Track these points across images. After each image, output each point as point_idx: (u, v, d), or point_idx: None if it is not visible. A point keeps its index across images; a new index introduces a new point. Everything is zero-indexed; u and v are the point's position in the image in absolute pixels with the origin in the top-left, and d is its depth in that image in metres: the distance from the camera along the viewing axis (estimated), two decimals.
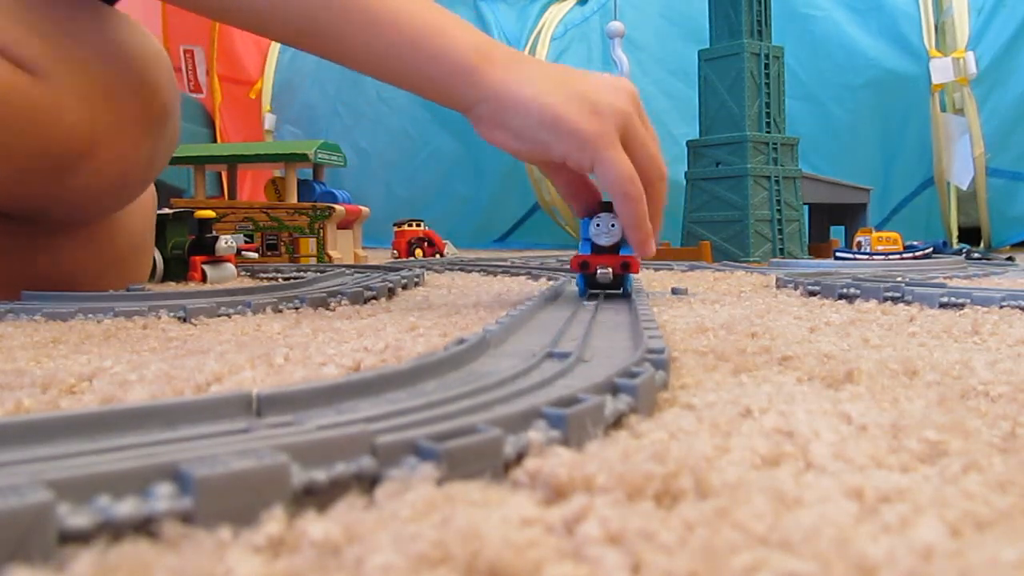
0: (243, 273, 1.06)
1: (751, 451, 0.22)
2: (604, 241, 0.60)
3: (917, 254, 1.19)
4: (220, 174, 2.47)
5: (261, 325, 0.52)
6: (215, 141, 3.01)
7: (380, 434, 0.19)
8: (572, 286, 0.67)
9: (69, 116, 0.61)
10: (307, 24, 0.56)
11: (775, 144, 1.41)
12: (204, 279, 0.94)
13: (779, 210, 1.39)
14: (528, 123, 0.55)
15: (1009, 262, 1.24)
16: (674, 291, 0.74)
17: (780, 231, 1.39)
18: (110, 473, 0.16)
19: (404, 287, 0.79)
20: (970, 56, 2.13)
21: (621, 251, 0.60)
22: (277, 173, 1.70)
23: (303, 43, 0.58)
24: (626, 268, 0.59)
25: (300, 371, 0.35)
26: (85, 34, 0.62)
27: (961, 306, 0.59)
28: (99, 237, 0.72)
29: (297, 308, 0.61)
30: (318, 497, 0.18)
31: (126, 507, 0.15)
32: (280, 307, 0.60)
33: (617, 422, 0.25)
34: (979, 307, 0.58)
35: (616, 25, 1.34)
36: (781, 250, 1.39)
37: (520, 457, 0.21)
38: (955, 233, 2.24)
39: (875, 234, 1.26)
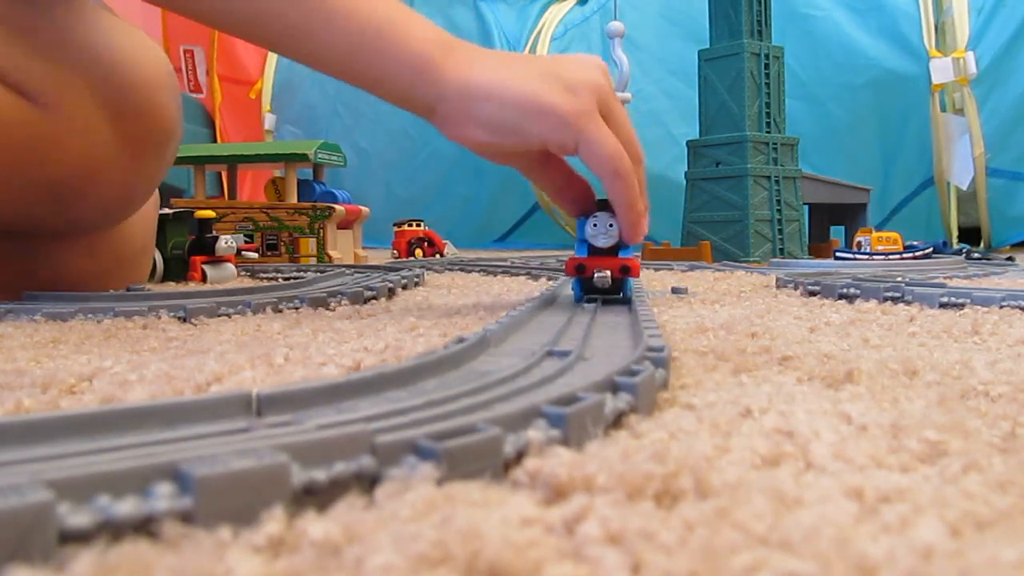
0: (243, 273, 1.06)
1: (751, 451, 0.22)
2: (602, 243, 0.55)
3: (917, 254, 1.19)
4: (220, 174, 2.47)
5: (261, 325, 0.52)
6: (215, 141, 3.01)
7: (379, 433, 0.19)
8: (569, 290, 0.62)
9: (73, 147, 0.59)
10: (256, 14, 0.52)
11: (775, 144, 1.41)
12: (204, 279, 0.94)
13: (779, 210, 1.39)
14: (500, 110, 0.51)
15: (1009, 262, 1.24)
16: (674, 290, 0.75)
17: (780, 231, 1.39)
18: (110, 473, 0.16)
19: (404, 287, 0.79)
20: (970, 56, 2.13)
21: (620, 253, 0.56)
22: (277, 173, 1.70)
23: (251, 34, 0.54)
24: (626, 272, 0.55)
25: (300, 371, 0.35)
26: (91, 52, 0.59)
27: (961, 306, 0.59)
28: (101, 245, 0.72)
29: (297, 308, 0.61)
30: (318, 497, 0.18)
31: (126, 507, 0.15)
32: (280, 307, 0.60)
33: (617, 422, 0.25)
34: (979, 307, 0.58)
35: (616, 25, 1.34)
36: (781, 250, 1.39)
37: (520, 456, 0.21)
38: (955, 233, 2.24)
39: (875, 234, 1.26)
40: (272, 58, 3.05)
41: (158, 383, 0.32)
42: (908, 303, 0.61)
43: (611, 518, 0.16)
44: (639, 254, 1.44)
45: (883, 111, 2.29)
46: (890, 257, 1.19)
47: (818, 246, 1.52)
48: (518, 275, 1.00)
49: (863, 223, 1.53)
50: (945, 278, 0.87)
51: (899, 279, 0.72)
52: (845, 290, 0.66)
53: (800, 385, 0.32)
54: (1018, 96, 2.14)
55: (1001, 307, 0.57)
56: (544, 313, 0.51)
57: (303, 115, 3.02)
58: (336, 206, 1.41)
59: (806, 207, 1.51)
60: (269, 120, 3.06)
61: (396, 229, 1.73)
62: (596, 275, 0.54)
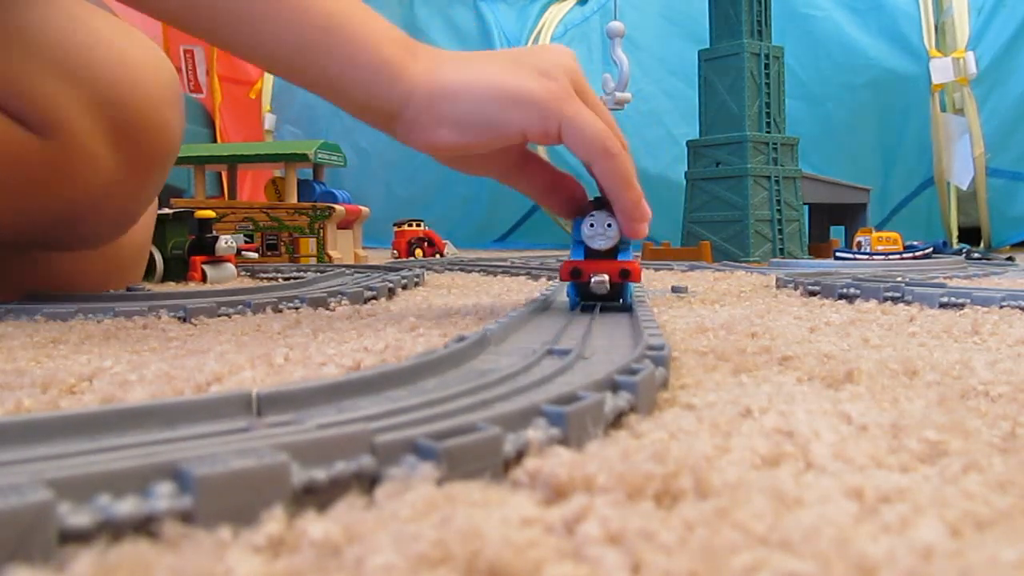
0: (243, 273, 1.06)
1: (751, 451, 0.22)
2: (599, 244, 0.51)
3: (917, 254, 1.19)
4: (220, 174, 2.47)
5: (261, 325, 0.52)
6: (215, 141, 3.01)
7: (379, 433, 0.19)
8: (563, 296, 0.57)
9: (78, 176, 0.58)
10: (208, 8, 0.47)
11: (775, 144, 1.41)
12: (204, 279, 0.94)
13: (779, 210, 1.39)
14: (474, 106, 0.47)
15: (1009, 262, 1.24)
16: (674, 289, 0.75)
17: (780, 231, 1.39)
18: (110, 472, 0.16)
19: (404, 287, 0.79)
20: (970, 56, 2.13)
21: (619, 256, 0.51)
22: (277, 173, 1.70)
23: (188, 22, 0.49)
24: (625, 276, 0.50)
25: (300, 371, 0.35)
26: (94, 71, 0.57)
27: (961, 306, 0.59)
28: (101, 251, 0.72)
29: (297, 308, 0.61)
30: (318, 496, 0.18)
31: (126, 506, 0.15)
32: (280, 307, 0.60)
33: (617, 421, 0.25)
34: (979, 307, 0.58)
35: (616, 25, 1.34)
36: (781, 250, 1.39)
37: (520, 456, 0.21)
38: (955, 233, 2.24)
39: (875, 234, 1.26)
40: None
41: (158, 383, 0.32)
42: (908, 303, 0.61)
43: (611, 518, 0.16)
44: (639, 254, 1.44)
45: (883, 111, 2.29)
46: (890, 257, 1.19)
47: (818, 246, 1.52)
48: (518, 275, 1.00)
49: (863, 223, 1.53)
50: (945, 278, 0.87)
51: (899, 279, 0.72)
52: (845, 290, 0.66)
53: (800, 385, 0.32)
54: (1018, 96, 2.14)
55: (1001, 307, 0.57)
56: (545, 312, 0.50)
57: (303, 115, 3.02)
58: (336, 206, 1.41)
59: (806, 207, 1.51)
60: (269, 120, 3.06)
61: (396, 229, 1.73)
62: (593, 280, 0.50)
